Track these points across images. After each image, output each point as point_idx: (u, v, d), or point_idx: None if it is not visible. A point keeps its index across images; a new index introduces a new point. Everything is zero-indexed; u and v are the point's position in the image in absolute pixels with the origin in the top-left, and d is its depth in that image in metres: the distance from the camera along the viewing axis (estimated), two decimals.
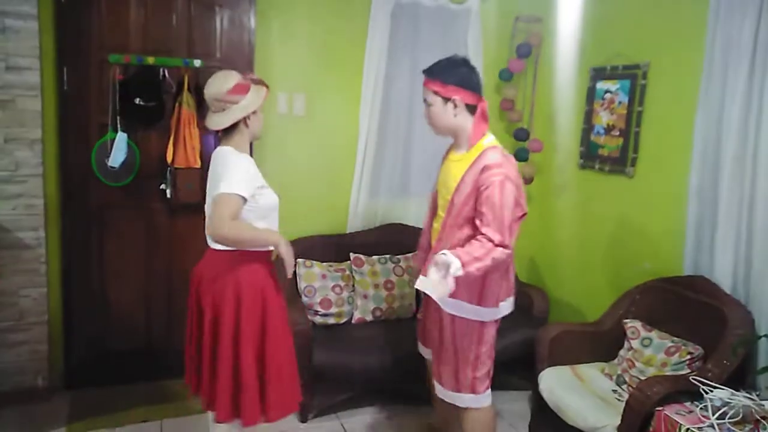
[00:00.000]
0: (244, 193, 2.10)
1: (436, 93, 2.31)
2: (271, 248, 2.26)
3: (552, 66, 3.84)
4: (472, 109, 2.33)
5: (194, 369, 2.32)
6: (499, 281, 2.38)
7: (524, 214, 2.32)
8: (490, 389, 2.51)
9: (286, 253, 2.19)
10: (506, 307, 2.47)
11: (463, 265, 2.11)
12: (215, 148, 2.33)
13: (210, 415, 2.31)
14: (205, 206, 2.30)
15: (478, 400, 2.47)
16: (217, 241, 2.14)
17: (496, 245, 2.16)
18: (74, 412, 3.10)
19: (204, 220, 2.27)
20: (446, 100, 2.30)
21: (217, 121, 2.23)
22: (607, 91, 3.41)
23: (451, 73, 2.29)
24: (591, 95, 3.53)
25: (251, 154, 2.39)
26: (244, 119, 2.24)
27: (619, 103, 3.33)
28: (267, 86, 2.31)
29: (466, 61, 2.37)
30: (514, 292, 2.51)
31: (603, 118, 3.45)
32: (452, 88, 2.28)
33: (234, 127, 2.24)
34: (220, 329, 2.18)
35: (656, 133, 3.14)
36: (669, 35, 3.07)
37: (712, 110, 2.77)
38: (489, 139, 2.36)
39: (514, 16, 3.92)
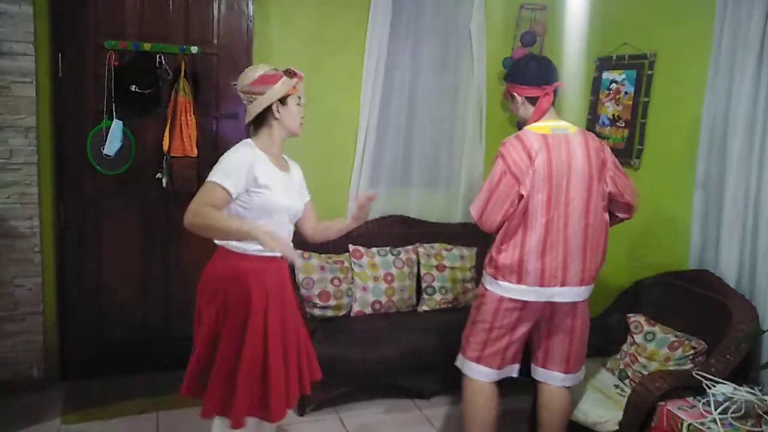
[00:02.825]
0: (225, 183, 2.00)
1: (505, 92, 2.57)
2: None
3: (557, 55, 3.77)
4: (533, 100, 2.46)
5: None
6: (506, 256, 2.37)
7: (521, 196, 2.32)
8: (480, 365, 2.49)
9: (270, 242, 1.86)
10: (510, 289, 2.38)
11: None
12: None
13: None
14: None
15: (463, 363, 2.56)
16: (187, 228, 1.98)
17: (473, 216, 2.45)
18: (69, 403, 3.08)
19: None
20: (511, 96, 2.52)
21: (248, 113, 2.16)
22: (612, 82, 3.36)
23: (510, 72, 2.55)
24: (596, 85, 3.48)
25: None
26: (272, 112, 2.13)
27: (625, 93, 3.28)
28: (299, 77, 2.17)
29: (530, 57, 2.65)
30: (535, 281, 2.35)
31: (608, 109, 3.40)
32: (509, 85, 2.52)
33: (263, 121, 2.16)
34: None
35: (662, 124, 3.10)
36: (676, 25, 3.02)
37: (719, 102, 2.73)
38: (537, 125, 2.43)
39: (519, 4, 3.87)
